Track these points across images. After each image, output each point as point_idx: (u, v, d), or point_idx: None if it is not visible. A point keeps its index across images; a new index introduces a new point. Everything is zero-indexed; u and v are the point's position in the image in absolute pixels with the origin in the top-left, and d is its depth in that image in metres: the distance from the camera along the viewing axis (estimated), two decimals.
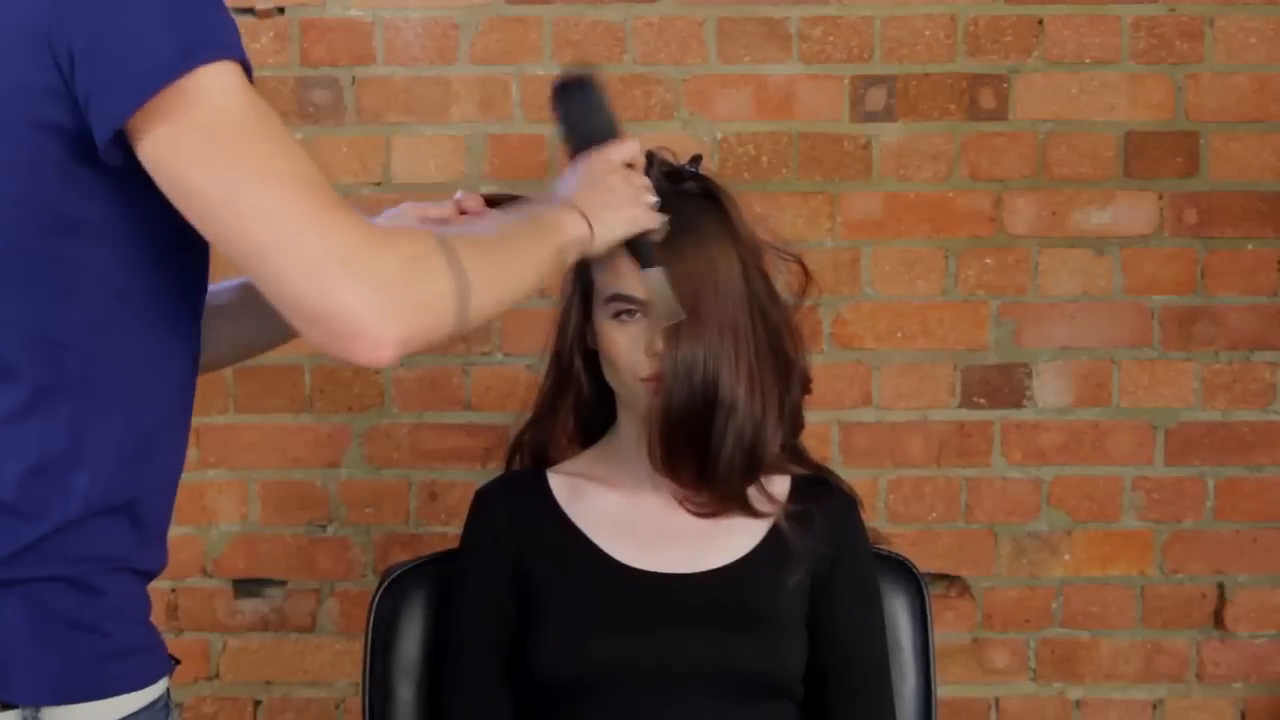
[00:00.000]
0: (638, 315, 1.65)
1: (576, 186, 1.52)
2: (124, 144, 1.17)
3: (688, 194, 1.71)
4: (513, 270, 1.37)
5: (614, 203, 1.52)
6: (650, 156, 1.73)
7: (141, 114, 1.14)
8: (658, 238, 1.59)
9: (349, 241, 1.16)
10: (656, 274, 1.59)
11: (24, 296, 1.20)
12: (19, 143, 1.18)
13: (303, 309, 1.16)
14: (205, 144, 1.15)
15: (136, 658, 1.28)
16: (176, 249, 1.26)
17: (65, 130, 1.17)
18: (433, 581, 1.84)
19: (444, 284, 1.23)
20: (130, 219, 1.22)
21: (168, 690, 1.31)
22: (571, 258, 1.48)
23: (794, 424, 1.77)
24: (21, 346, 1.21)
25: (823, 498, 1.77)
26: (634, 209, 1.55)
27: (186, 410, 1.33)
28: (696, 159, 1.76)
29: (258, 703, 2.46)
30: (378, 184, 2.41)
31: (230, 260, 1.19)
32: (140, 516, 1.28)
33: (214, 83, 1.15)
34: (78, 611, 1.23)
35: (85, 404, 1.23)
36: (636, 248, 1.58)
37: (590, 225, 1.48)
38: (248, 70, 1.19)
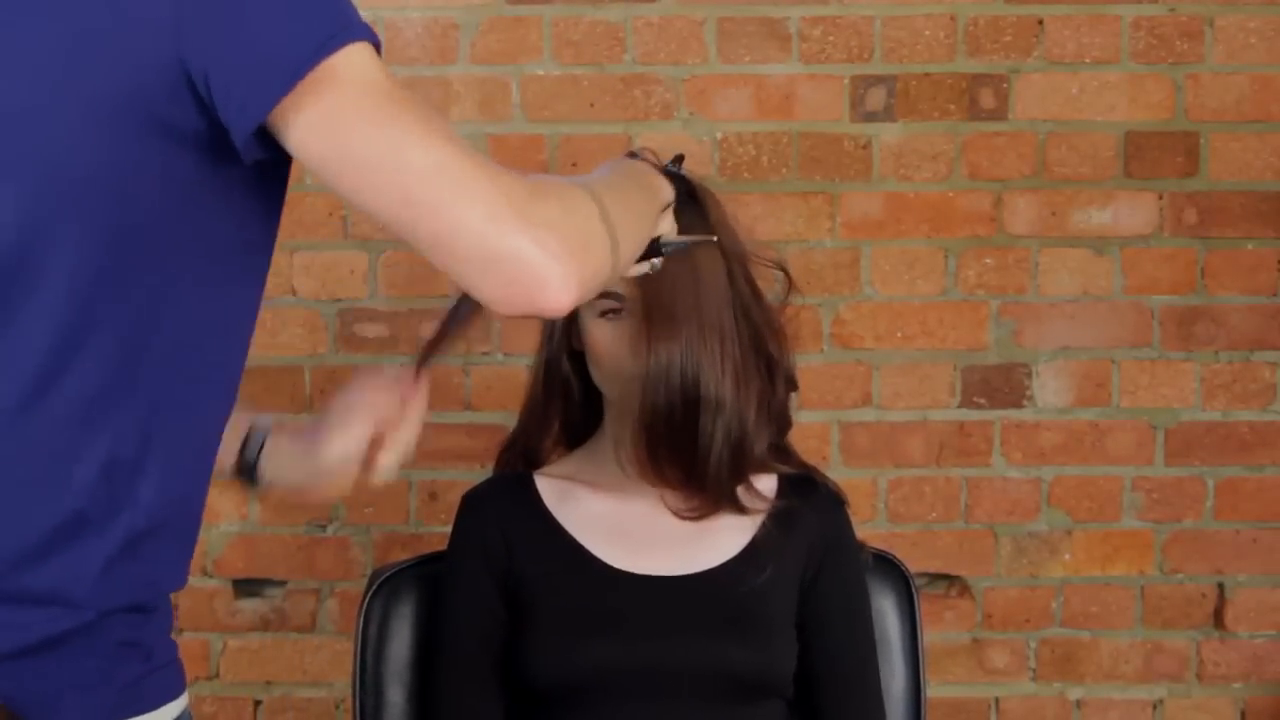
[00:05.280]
0: (624, 314, 1.66)
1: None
2: (264, 139, 1.16)
3: None
4: (642, 224, 1.39)
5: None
6: (633, 157, 1.72)
7: (291, 97, 1.13)
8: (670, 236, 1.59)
9: (516, 189, 1.16)
10: (672, 246, 1.57)
11: (121, 294, 1.19)
12: (134, 146, 1.16)
13: (479, 256, 1.14)
14: (363, 110, 1.15)
15: (170, 669, 1.28)
16: (259, 252, 1.27)
17: (184, 133, 1.16)
18: (423, 583, 1.83)
19: (600, 228, 1.24)
20: (224, 228, 1.22)
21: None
22: (664, 223, 1.49)
23: (780, 424, 1.76)
24: (112, 340, 1.19)
25: (810, 497, 1.76)
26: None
27: (223, 424, 1.32)
28: (679, 159, 1.74)
29: (258, 703, 2.46)
30: None
31: (391, 226, 1.17)
32: (187, 534, 1.28)
33: (357, 59, 1.16)
34: (132, 632, 1.23)
35: (155, 407, 1.21)
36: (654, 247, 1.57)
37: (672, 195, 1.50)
38: (378, 50, 1.20)
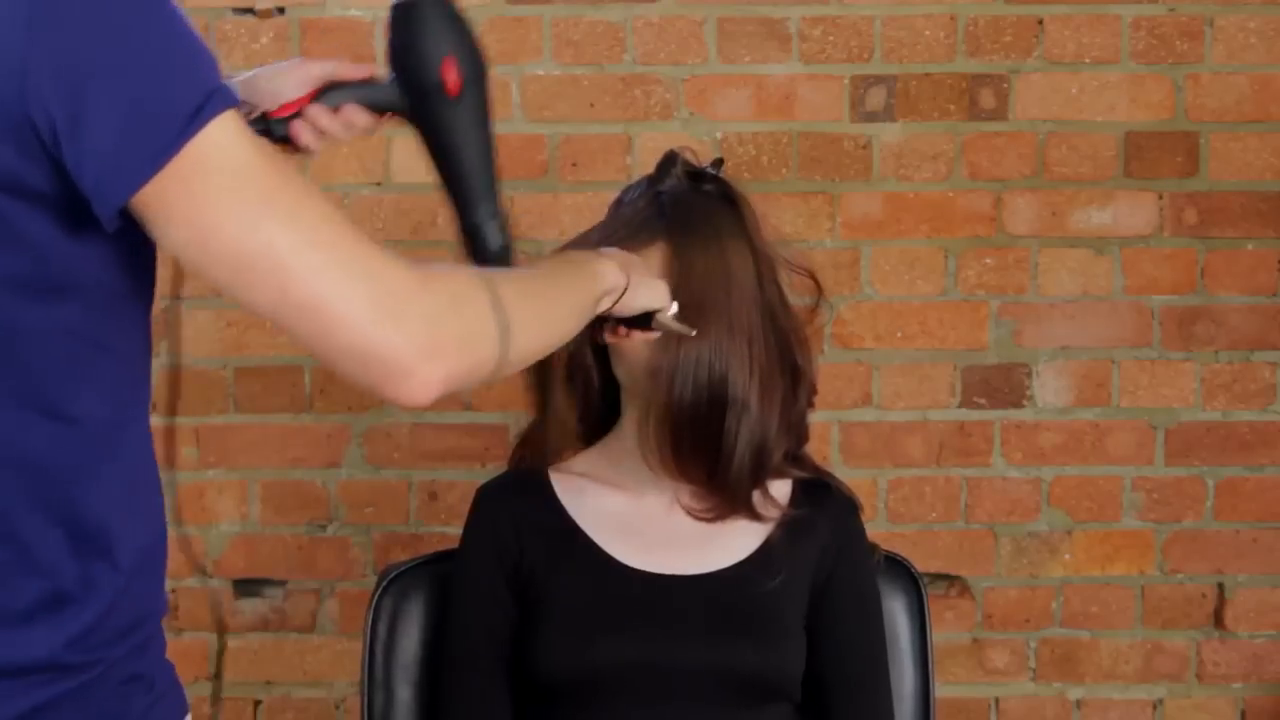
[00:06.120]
0: None
1: (616, 250, 1.54)
2: (127, 213, 1.11)
3: (707, 195, 1.72)
4: (554, 313, 1.38)
5: (648, 275, 1.56)
6: (673, 156, 1.73)
7: (154, 184, 1.09)
8: (665, 315, 1.61)
9: (394, 283, 1.15)
10: (662, 321, 1.60)
11: (35, 372, 1.16)
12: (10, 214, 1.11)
13: (353, 355, 1.14)
14: (232, 200, 1.10)
15: (173, 694, 1.28)
16: (146, 291, 1.24)
17: (45, 197, 1.11)
18: (432, 581, 1.83)
19: (487, 323, 1.23)
20: (108, 277, 1.18)
21: None
22: (604, 306, 1.49)
23: (799, 435, 1.76)
24: (40, 422, 1.16)
25: (823, 501, 1.76)
26: (661, 286, 1.58)
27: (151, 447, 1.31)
28: (718, 162, 1.76)
29: (258, 703, 2.46)
30: (378, 184, 2.41)
31: (266, 317, 1.15)
32: (160, 562, 1.27)
33: (222, 135, 1.10)
34: (134, 667, 1.22)
35: (110, 462, 1.20)
36: (646, 318, 1.59)
37: (627, 281, 1.50)
38: (237, 106, 1.15)
